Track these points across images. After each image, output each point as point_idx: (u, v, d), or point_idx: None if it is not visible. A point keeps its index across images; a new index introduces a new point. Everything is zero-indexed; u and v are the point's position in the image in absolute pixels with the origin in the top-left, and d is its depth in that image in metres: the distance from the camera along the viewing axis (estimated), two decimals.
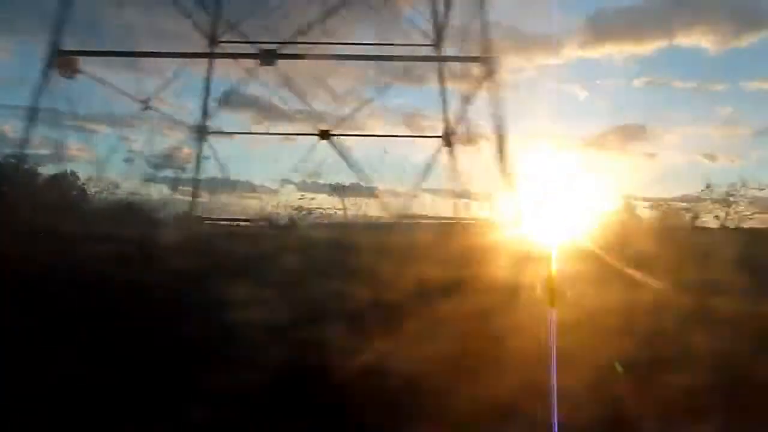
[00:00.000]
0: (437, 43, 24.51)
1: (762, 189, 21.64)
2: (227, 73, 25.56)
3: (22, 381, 4.47)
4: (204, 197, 25.87)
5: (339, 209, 27.87)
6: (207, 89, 25.35)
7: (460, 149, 23.08)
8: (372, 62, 23.96)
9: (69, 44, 20.84)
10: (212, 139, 25.43)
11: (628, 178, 38.52)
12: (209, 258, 12.54)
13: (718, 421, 4.01)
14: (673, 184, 51.67)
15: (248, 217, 26.34)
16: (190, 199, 25.72)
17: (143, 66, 22.37)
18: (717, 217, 20.43)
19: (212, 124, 25.59)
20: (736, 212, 21.03)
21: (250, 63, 22.58)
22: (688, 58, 44.16)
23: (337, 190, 27.49)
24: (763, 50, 41.35)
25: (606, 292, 8.82)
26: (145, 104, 22.69)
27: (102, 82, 21.66)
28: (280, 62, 21.72)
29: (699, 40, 45.09)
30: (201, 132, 25.09)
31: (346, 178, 26.20)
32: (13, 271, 8.47)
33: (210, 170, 25.51)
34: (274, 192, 27.63)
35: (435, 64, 24.49)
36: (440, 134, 24.08)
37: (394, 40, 23.40)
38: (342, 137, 22.54)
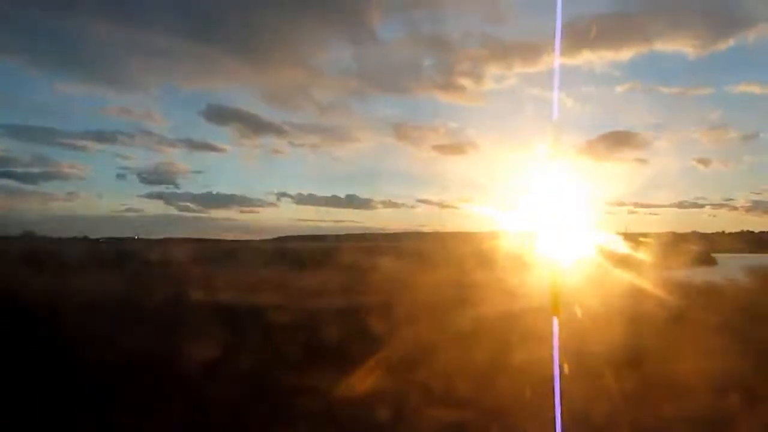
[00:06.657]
0: None
1: (758, 193, 21.77)
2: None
3: None
4: None
5: None
6: None
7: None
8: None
9: None
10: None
11: (621, 185, 38.57)
12: None
13: None
14: (669, 190, 51.45)
15: None
16: None
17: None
18: None
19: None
20: None
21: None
22: (668, 63, 44.58)
23: None
24: (743, 54, 41.90)
25: None
26: None
27: None
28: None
29: (678, 45, 45.79)
30: None
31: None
32: None
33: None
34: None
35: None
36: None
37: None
38: None
